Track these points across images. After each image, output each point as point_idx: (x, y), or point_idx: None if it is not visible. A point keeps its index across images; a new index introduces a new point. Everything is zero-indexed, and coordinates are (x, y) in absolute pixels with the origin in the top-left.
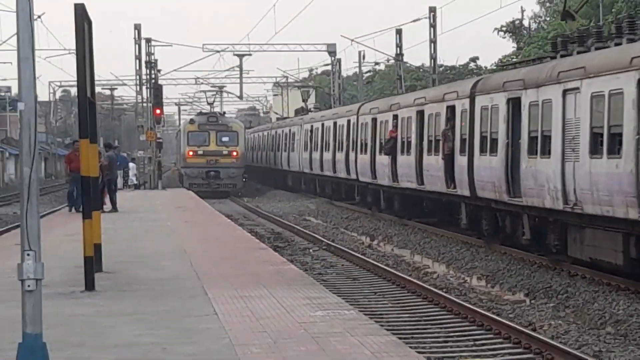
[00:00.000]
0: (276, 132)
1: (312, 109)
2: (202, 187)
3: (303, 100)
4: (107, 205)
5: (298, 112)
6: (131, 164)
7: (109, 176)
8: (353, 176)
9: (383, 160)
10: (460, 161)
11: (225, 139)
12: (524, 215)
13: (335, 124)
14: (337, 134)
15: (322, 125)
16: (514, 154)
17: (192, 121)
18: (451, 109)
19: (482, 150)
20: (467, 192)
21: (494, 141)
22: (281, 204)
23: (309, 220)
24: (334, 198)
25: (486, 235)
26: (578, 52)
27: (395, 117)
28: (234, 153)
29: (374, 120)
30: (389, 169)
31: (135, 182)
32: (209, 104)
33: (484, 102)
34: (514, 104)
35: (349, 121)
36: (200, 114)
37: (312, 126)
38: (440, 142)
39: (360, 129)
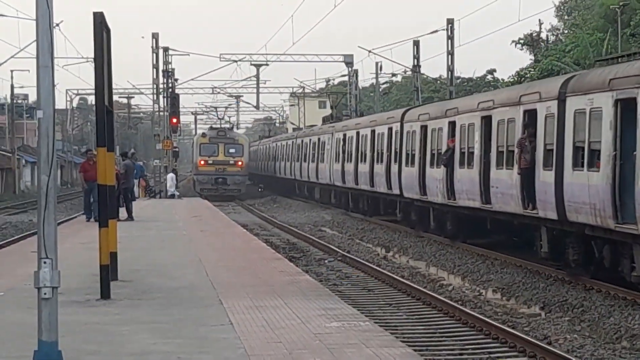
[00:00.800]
0: (302, 141)
1: (343, 117)
2: (211, 192)
3: (331, 107)
4: (123, 214)
5: (326, 119)
6: (170, 174)
7: (125, 185)
8: (395, 191)
9: (435, 174)
10: (544, 177)
11: (232, 150)
12: (637, 246)
13: (373, 132)
14: (376, 144)
15: (357, 133)
16: (625, 170)
17: (203, 134)
18: (530, 114)
19: (577, 165)
20: (552, 215)
21: (594, 153)
22: (296, 214)
23: (324, 230)
24: (369, 214)
25: (573, 267)
26: None
27: (452, 124)
28: (239, 163)
29: (424, 127)
30: (444, 184)
31: (175, 192)
32: (219, 119)
33: (579, 105)
34: (625, 106)
35: (390, 129)
36: (211, 128)
37: (345, 135)
38: (515, 154)
39: (405, 137)
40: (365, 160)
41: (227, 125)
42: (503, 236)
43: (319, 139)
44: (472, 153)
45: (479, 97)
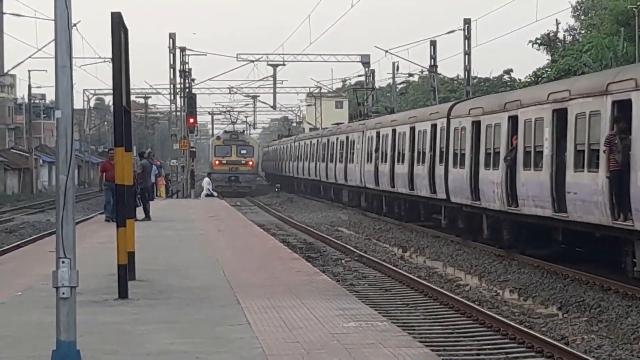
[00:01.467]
0: (328, 140)
1: (372, 114)
2: (225, 188)
3: (358, 104)
4: (140, 214)
5: (353, 117)
6: (206, 179)
7: (142, 184)
8: (440, 195)
9: (491, 176)
10: None
11: (243, 151)
12: None
13: (412, 129)
14: (416, 142)
15: (394, 131)
16: None
17: (218, 137)
18: (621, 106)
19: None
20: None
21: None
22: (313, 214)
23: (341, 230)
24: (406, 219)
25: None
26: None
27: (513, 119)
28: (250, 162)
29: (476, 123)
30: (502, 188)
31: (213, 192)
32: (232, 122)
33: None
34: None
35: (434, 126)
36: (225, 132)
37: (378, 133)
38: (601, 154)
39: (453, 135)
40: (403, 161)
41: (240, 129)
42: (579, 249)
43: (347, 138)
44: (541, 152)
45: (548, 87)
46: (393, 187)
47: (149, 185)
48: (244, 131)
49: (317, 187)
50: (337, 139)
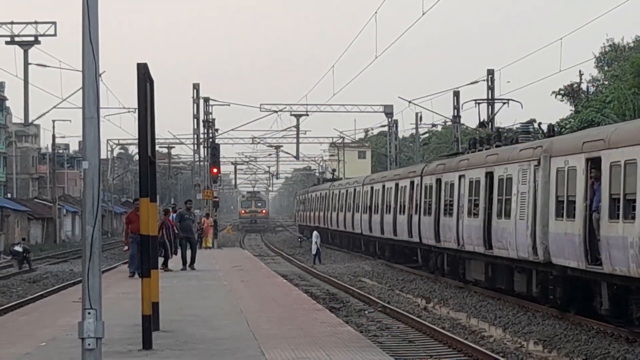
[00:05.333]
0: (372, 188)
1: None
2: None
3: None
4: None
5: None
6: (315, 233)
7: (185, 233)
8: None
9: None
10: None
11: (259, 204)
12: None
13: (490, 175)
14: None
15: (383, 186)
16: None
17: (243, 196)
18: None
19: None
20: None
21: None
22: (336, 264)
23: (364, 281)
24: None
25: None
26: None
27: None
28: (263, 211)
29: (438, 180)
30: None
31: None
32: (252, 186)
33: None
34: None
35: (412, 182)
36: (248, 192)
37: (372, 187)
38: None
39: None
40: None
41: (257, 190)
42: None
43: (396, 185)
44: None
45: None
46: (459, 245)
47: (192, 234)
48: (259, 192)
49: (356, 241)
50: (383, 186)
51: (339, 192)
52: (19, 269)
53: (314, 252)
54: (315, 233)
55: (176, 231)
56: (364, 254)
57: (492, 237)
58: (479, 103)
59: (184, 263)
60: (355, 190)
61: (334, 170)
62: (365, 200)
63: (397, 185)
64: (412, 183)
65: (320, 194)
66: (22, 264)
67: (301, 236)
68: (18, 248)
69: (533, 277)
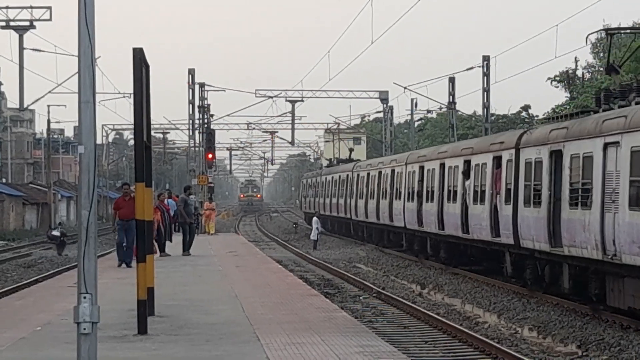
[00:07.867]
0: (394, 170)
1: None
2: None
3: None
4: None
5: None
6: (315, 218)
7: (183, 219)
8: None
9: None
10: None
11: (255, 190)
12: None
13: (383, 171)
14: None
15: (378, 172)
16: None
17: (242, 183)
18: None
19: None
20: None
21: None
22: (331, 250)
23: (359, 267)
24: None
25: None
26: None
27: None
28: (258, 195)
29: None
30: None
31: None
32: (249, 175)
33: None
34: None
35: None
36: (246, 180)
37: (368, 173)
38: None
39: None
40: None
41: (253, 177)
42: None
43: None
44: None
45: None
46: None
47: (193, 219)
48: (255, 179)
49: (379, 232)
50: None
51: (368, 174)
52: (59, 254)
53: (314, 237)
54: (315, 219)
55: (172, 215)
56: (416, 256)
57: None
58: (610, 34)
59: (187, 248)
60: (394, 171)
61: (351, 150)
62: (411, 184)
63: (467, 162)
64: (497, 159)
65: (340, 176)
66: (61, 248)
67: (295, 222)
68: (55, 232)
69: None
